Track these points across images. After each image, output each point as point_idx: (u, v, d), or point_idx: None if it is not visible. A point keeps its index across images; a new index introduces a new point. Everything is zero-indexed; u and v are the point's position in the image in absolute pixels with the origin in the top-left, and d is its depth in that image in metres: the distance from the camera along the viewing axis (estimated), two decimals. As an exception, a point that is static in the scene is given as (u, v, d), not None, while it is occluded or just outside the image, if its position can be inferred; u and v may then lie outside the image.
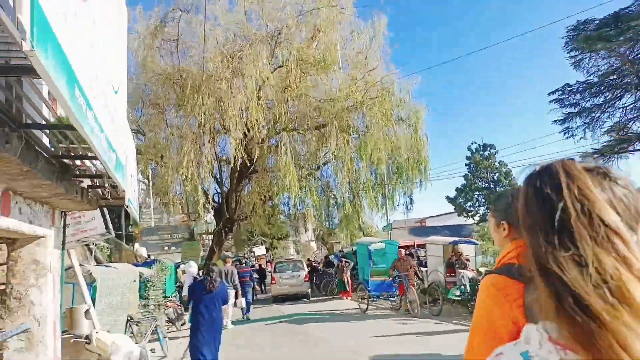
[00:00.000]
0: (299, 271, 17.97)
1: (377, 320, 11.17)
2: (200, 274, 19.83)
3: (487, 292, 1.45)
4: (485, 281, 1.49)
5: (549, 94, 29.48)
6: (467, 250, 12.03)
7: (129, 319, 7.95)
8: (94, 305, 7.09)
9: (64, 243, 5.35)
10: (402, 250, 12.59)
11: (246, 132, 15.35)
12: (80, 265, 7.28)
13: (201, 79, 14.48)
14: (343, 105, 16.22)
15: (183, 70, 16.43)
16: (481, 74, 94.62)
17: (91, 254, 14.37)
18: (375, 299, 12.49)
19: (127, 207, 4.79)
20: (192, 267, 11.34)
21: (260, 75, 14.87)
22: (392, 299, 12.28)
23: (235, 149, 14.83)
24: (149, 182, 31.93)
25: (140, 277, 11.97)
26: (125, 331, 7.82)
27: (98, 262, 13.17)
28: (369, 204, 18.64)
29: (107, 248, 15.65)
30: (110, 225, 6.93)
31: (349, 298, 16.85)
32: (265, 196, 20.84)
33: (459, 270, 11.39)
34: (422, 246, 18.90)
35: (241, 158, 16.79)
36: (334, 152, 15.78)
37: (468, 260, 11.75)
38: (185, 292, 11.40)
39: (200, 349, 6.26)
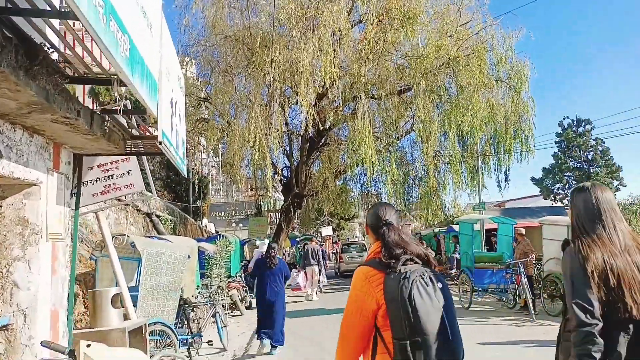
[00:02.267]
0: (363, 252, 21.00)
1: (482, 319, 8.97)
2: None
3: (359, 279, 1.99)
4: (358, 271, 2.04)
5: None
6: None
7: (182, 303, 6.47)
8: (137, 286, 5.63)
9: (77, 199, 3.78)
10: (522, 229, 10.02)
11: (320, 93, 13.48)
12: (119, 235, 5.82)
13: (272, 33, 12.71)
14: (432, 63, 13.77)
15: (253, 28, 14.80)
16: (579, 39, 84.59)
17: (153, 226, 13.40)
18: (481, 294, 10.19)
19: (160, 144, 3.06)
20: (264, 246, 10.08)
21: (338, 27, 12.83)
22: (503, 293, 9.85)
23: (307, 114, 13.00)
24: (218, 156, 31.40)
25: (203, 253, 10.69)
26: (177, 319, 6.33)
27: (160, 235, 12.07)
28: (454, 180, 16.07)
29: (171, 221, 14.66)
30: (152, 184, 5.35)
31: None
32: (336, 171, 19.01)
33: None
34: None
35: (313, 126, 14.99)
36: (420, 116, 13.43)
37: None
38: (251, 265, 12.03)
39: (263, 321, 7.12)
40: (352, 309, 1.96)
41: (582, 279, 1.91)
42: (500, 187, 16.41)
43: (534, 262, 9.57)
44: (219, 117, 16.79)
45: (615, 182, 39.40)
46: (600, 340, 1.80)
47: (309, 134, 16.04)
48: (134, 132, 4.29)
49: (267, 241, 13.70)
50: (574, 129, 41.51)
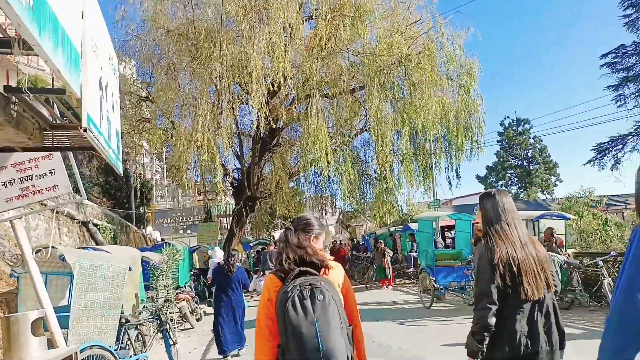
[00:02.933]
0: None
1: (446, 319, 8.77)
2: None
3: (265, 286, 2.26)
4: (267, 278, 2.29)
5: (601, 57, 26.52)
6: (555, 227, 9.50)
7: (124, 322, 5.68)
8: (69, 305, 4.82)
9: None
10: (480, 225, 9.97)
11: (271, 91, 12.88)
12: (42, 247, 4.98)
13: (219, 25, 11.97)
14: (385, 61, 13.59)
15: (197, 21, 13.95)
16: (519, 40, 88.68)
17: (90, 236, 12.23)
18: (442, 291, 9.99)
19: (84, 131, 2.42)
20: (217, 252, 9.65)
21: (289, 22, 12.32)
22: (464, 291, 9.73)
23: (259, 111, 12.37)
24: (162, 160, 29.88)
25: (147, 264, 9.80)
26: (119, 340, 5.54)
27: (98, 245, 10.99)
28: (408, 178, 16.03)
29: (111, 230, 13.49)
30: (81, 186, 4.58)
31: (389, 287, 14.49)
32: (290, 172, 18.48)
33: (549, 253, 8.91)
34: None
35: (264, 125, 14.37)
36: (374, 114, 13.17)
37: (560, 241, 9.26)
38: (210, 275, 11.40)
39: (222, 328, 7.10)
40: (260, 311, 2.24)
41: (487, 270, 2.33)
42: (451, 185, 16.56)
43: None
44: (162, 117, 15.75)
45: (553, 178, 41.70)
46: (492, 319, 2.28)
47: (260, 133, 15.39)
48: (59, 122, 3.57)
49: (217, 248, 13.09)
50: (514, 128, 43.55)
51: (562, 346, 2.36)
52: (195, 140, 11.83)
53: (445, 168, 16.57)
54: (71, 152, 4.13)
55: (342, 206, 22.16)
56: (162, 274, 9.52)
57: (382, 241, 15.54)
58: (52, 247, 5.06)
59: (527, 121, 42.85)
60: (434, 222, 11.78)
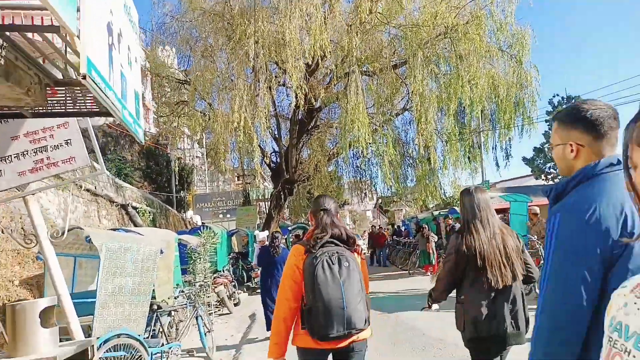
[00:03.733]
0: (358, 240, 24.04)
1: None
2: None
3: (292, 254, 2.53)
4: (293, 247, 2.58)
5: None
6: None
7: (156, 308, 5.36)
8: (95, 290, 4.51)
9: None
10: (536, 208, 9.17)
11: (309, 69, 12.28)
12: (77, 227, 4.67)
13: (253, 0, 11.44)
14: (429, 32, 12.67)
15: (234, 1, 13.47)
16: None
17: (130, 219, 12.20)
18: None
19: (83, 78, 1.94)
20: (261, 235, 9.40)
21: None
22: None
23: (296, 89, 11.81)
24: (202, 146, 30.07)
25: (185, 247, 9.59)
26: (149, 327, 5.23)
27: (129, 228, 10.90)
28: (453, 159, 15.04)
29: (150, 213, 13.45)
30: (100, 157, 4.18)
31: (435, 274, 13.75)
32: (329, 154, 17.92)
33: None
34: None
35: (303, 105, 13.84)
36: (418, 89, 12.31)
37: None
38: (254, 261, 11.86)
39: (269, 307, 7.00)
40: (286, 274, 2.48)
41: (450, 259, 2.71)
42: (499, 166, 15.49)
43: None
44: (201, 101, 15.52)
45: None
46: (444, 294, 2.83)
47: (298, 114, 14.91)
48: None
49: (266, 232, 12.98)
50: (565, 105, 40.80)
51: (527, 330, 2.55)
52: (232, 121, 11.46)
53: (493, 147, 15.54)
54: (90, 121, 3.72)
55: (381, 190, 21.37)
56: (200, 258, 9.25)
57: (426, 225, 14.78)
58: (79, 227, 4.75)
59: (578, 98, 40.14)
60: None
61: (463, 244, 2.62)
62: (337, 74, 13.44)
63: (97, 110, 3.05)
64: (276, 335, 2.44)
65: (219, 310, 10.35)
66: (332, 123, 18.02)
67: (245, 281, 14.05)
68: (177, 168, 19.34)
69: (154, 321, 5.30)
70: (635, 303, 0.64)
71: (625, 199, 1.31)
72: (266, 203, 26.05)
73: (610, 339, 0.67)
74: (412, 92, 13.36)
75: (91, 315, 4.34)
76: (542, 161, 41.97)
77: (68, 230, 4.60)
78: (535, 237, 9.25)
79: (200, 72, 14.03)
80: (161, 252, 5.11)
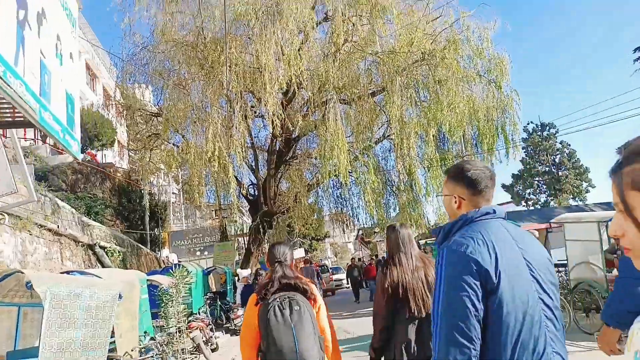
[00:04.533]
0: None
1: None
2: (236, 280, 16.62)
3: (249, 303, 2.67)
4: (251, 297, 2.71)
5: (635, 51, 25.08)
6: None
7: (116, 363, 4.60)
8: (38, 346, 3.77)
9: None
10: (535, 232, 8.71)
11: (286, 98, 11.93)
12: (17, 271, 3.96)
13: (228, 26, 11.11)
14: (406, 58, 12.56)
15: (205, 29, 13.17)
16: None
17: (97, 260, 11.30)
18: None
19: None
20: (244, 272, 8.72)
21: (302, 21, 11.43)
22: None
23: (273, 117, 11.39)
24: (178, 183, 29.19)
25: (156, 288, 8.80)
26: (107, 387, 4.45)
27: (85, 270, 10.02)
28: (436, 186, 14.72)
29: (119, 252, 12.55)
30: (31, 183, 3.56)
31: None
32: (308, 185, 17.42)
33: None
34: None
35: (280, 134, 13.45)
36: (396, 115, 12.06)
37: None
38: (238, 300, 11.81)
39: None
40: (244, 323, 2.71)
41: (380, 294, 2.92)
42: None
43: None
44: (175, 134, 14.95)
45: (585, 184, 39.67)
46: (388, 333, 2.89)
47: (275, 144, 14.48)
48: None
49: (248, 270, 12.51)
50: (539, 133, 41.78)
51: None
52: (207, 151, 10.89)
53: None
54: (17, 140, 3.12)
55: (364, 220, 20.89)
56: (172, 300, 8.44)
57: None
58: (19, 271, 4.05)
59: (552, 125, 41.03)
60: None
61: (387, 279, 2.84)
62: (315, 102, 13.14)
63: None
64: None
65: (195, 357, 9.45)
66: (310, 152, 17.65)
67: (225, 322, 13.15)
68: (149, 204, 18.40)
69: (112, 379, 4.53)
70: None
71: (495, 240, 1.61)
72: (245, 238, 25.22)
73: None
74: (391, 118, 13.14)
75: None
76: (521, 187, 42.53)
77: (8, 275, 3.90)
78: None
79: (173, 103, 13.54)
80: (120, 296, 4.41)
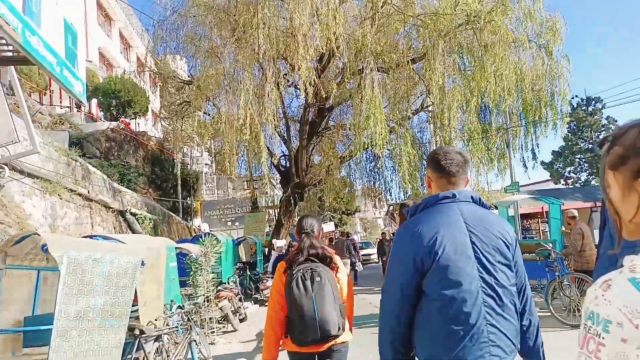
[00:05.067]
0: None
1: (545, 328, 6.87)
2: (266, 251, 16.51)
3: (278, 270, 2.92)
4: (280, 263, 2.95)
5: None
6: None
7: (138, 334, 4.36)
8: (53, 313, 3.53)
9: None
10: (574, 211, 7.93)
11: (320, 65, 11.34)
12: (34, 234, 3.71)
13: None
14: (450, 21, 11.65)
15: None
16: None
17: (128, 226, 11.29)
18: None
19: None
20: (280, 242, 8.63)
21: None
22: (542, 292, 7.83)
23: (306, 85, 10.85)
24: (210, 153, 29.27)
25: (185, 257, 8.64)
26: (129, 357, 4.23)
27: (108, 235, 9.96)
28: (476, 160, 13.86)
29: (150, 220, 12.52)
30: (34, 135, 3.23)
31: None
32: (341, 157, 16.92)
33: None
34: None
35: (314, 102, 12.92)
36: (439, 83, 11.29)
37: None
38: (269, 268, 11.76)
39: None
40: (273, 288, 2.90)
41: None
42: (526, 167, 14.31)
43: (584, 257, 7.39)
44: (206, 102, 14.64)
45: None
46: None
47: (308, 114, 13.97)
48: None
49: (284, 240, 12.94)
50: (584, 108, 39.49)
51: None
52: (238, 118, 10.50)
53: (520, 147, 14.41)
54: (20, 87, 2.78)
55: (396, 195, 20.25)
56: (201, 268, 8.27)
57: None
58: (34, 233, 3.80)
59: (598, 100, 38.66)
60: (508, 209, 9.85)
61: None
62: (350, 69, 12.44)
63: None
64: (267, 341, 2.83)
65: (223, 327, 9.35)
66: (343, 124, 17.07)
67: (253, 293, 13.07)
68: (181, 173, 18.35)
69: (135, 349, 4.30)
70: (603, 296, 0.79)
71: (443, 224, 1.80)
72: (275, 210, 25.14)
73: (586, 326, 0.81)
74: (431, 87, 12.32)
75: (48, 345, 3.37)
76: (561, 165, 40.58)
77: (25, 237, 3.65)
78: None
79: (205, 70, 13.15)
80: (142, 263, 4.12)
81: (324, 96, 13.16)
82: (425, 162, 16.83)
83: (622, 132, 0.89)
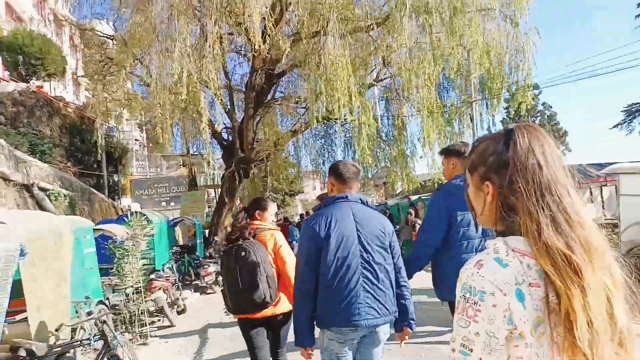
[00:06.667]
0: None
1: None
2: (206, 233, 14.88)
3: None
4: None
5: (638, 5, 23.93)
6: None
7: (25, 356, 2.84)
8: None
9: None
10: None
11: (272, 8, 9.80)
12: None
13: None
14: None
15: None
16: None
17: (37, 203, 9.23)
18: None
19: None
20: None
21: None
22: None
23: (254, 39, 9.24)
24: (142, 129, 26.64)
25: (107, 241, 7.02)
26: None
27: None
28: (434, 135, 13.02)
29: (66, 196, 10.44)
30: None
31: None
32: (292, 131, 15.51)
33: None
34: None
35: (261, 65, 11.38)
36: (405, 44, 10.19)
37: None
38: None
39: None
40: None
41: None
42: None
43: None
44: (136, 64, 12.51)
45: (562, 147, 39.34)
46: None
47: (255, 78, 12.35)
48: None
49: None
50: (510, 96, 40.75)
51: None
52: (172, 74, 8.71)
53: (477, 124, 13.91)
54: None
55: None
56: (127, 254, 6.65)
57: (411, 211, 12.80)
58: None
59: (536, 86, 40.07)
60: None
61: None
62: (307, 28, 10.98)
63: None
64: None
65: (160, 320, 7.82)
66: (291, 96, 15.64)
67: (194, 279, 11.54)
68: (105, 144, 15.91)
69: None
70: (478, 272, 0.96)
71: (335, 216, 2.51)
72: (216, 190, 23.30)
73: (464, 297, 0.98)
74: (394, 51, 11.24)
75: None
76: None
77: None
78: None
79: (132, 21, 11.08)
80: (22, 253, 2.58)
81: (273, 58, 11.63)
82: (377, 138, 16.07)
83: (479, 142, 1.12)
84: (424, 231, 3.25)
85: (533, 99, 39.57)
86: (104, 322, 3.40)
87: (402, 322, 2.54)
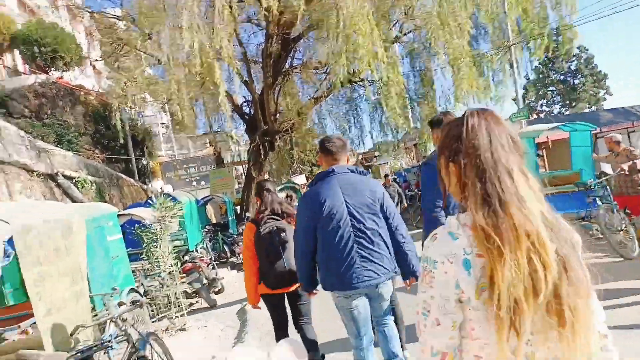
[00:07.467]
0: None
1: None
2: (238, 210, 14.64)
3: (247, 228, 3.67)
4: (247, 224, 3.73)
5: None
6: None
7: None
8: None
9: None
10: (617, 136, 6.57)
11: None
12: None
13: None
14: None
15: None
16: None
17: (64, 192, 9.07)
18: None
19: None
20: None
21: None
22: (586, 226, 6.67)
23: (261, 2, 8.54)
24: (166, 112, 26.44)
25: (134, 225, 6.74)
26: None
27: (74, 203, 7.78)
28: (468, 85, 11.97)
29: (92, 183, 10.28)
30: None
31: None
32: (314, 98, 14.86)
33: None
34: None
35: (276, 30, 10.71)
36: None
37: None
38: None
39: None
40: (244, 246, 3.64)
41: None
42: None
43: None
44: (147, 41, 12.04)
45: (602, 92, 36.93)
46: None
47: (272, 44, 11.70)
48: None
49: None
50: (555, 38, 38.30)
51: None
52: (183, 45, 8.16)
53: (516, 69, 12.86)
54: None
55: (376, 138, 18.40)
56: (156, 238, 6.35)
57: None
58: None
59: (569, 27, 37.50)
60: (534, 139, 8.62)
61: None
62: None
63: None
64: (249, 287, 3.60)
65: (197, 302, 7.62)
66: (311, 62, 14.87)
67: (229, 256, 11.36)
68: (129, 129, 15.63)
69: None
70: (432, 245, 1.08)
71: (324, 188, 2.76)
72: (243, 166, 23.02)
73: (424, 267, 1.10)
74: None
75: None
76: (533, 99, 39.74)
77: None
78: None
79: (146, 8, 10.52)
80: (6, 254, 2.18)
81: (288, 21, 10.91)
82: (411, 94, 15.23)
83: (446, 125, 1.17)
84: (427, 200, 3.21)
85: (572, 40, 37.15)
86: (125, 319, 3.02)
87: (407, 274, 2.82)
